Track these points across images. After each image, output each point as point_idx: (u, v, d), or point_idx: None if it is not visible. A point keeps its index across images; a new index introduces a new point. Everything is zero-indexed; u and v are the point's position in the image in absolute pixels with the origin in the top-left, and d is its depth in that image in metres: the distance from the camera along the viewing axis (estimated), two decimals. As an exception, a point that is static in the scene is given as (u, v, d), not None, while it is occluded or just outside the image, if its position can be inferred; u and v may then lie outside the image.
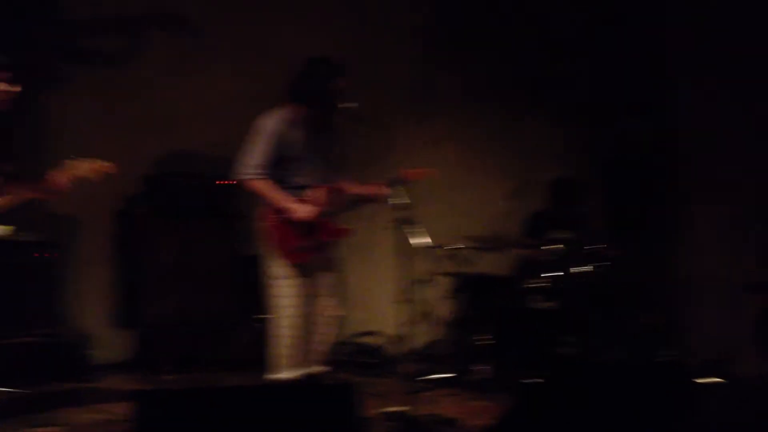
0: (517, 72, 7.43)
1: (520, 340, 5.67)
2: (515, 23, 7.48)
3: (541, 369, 5.42)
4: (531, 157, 7.33)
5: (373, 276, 7.01)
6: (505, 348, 5.73)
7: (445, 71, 7.33)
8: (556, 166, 7.03)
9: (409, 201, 4.74)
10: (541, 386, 4.74)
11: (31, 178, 4.68)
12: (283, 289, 4.92)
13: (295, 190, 4.96)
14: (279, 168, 4.96)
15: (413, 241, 4.65)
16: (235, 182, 5.10)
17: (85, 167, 4.56)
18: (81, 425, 4.71)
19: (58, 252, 5.87)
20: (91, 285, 6.44)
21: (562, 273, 5.81)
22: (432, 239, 5.91)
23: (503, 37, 7.42)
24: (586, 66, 7.65)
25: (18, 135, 5.78)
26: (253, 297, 6.04)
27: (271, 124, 4.92)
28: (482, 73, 7.38)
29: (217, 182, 6.36)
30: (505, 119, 7.40)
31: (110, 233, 6.49)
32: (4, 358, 5.39)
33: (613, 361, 5.66)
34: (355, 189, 5.21)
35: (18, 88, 4.50)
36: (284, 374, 4.92)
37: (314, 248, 4.95)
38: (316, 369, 5.06)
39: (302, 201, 4.93)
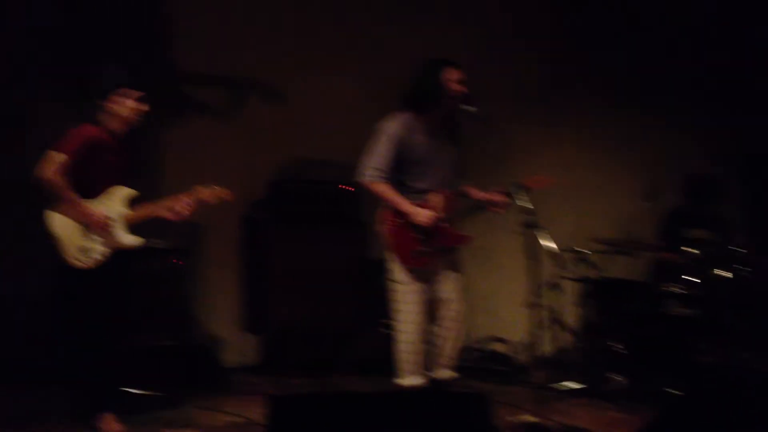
0: (647, 69, 7.17)
1: (656, 348, 5.45)
2: (642, 19, 7.21)
3: (679, 378, 5.22)
4: (664, 156, 7.05)
5: (499, 281, 6.92)
6: (640, 356, 5.53)
7: (571, 72, 7.14)
8: (690, 166, 6.75)
9: (532, 206, 4.62)
10: (682, 397, 4.56)
11: (163, 194, 4.92)
12: (403, 294, 4.90)
13: (416, 194, 4.93)
14: (400, 171, 4.94)
15: (544, 243, 4.53)
16: (357, 186, 5.11)
17: (207, 193, 4.81)
18: (214, 427, 4.82)
19: (188, 258, 6.00)
20: (221, 290, 6.58)
21: (700, 277, 5.54)
22: (560, 243, 5.78)
23: (630, 35, 7.17)
24: (721, 60, 7.31)
25: (145, 152, 6.02)
26: (380, 301, 6.04)
27: (391, 127, 4.91)
28: (609, 72, 7.15)
29: (341, 187, 6.39)
30: (636, 117, 7.15)
31: (237, 239, 6.61)
32: (141, 361, 5.54)
33: (758, 370, 5.37)
34: (475, 194, 5.14)
35: (147, 107, 4.71)
36: (409, 380, 4.89)
37: (433, 253, 4.90)
38: (443, 374, 5.01)
39: (422, 205, 4.89)
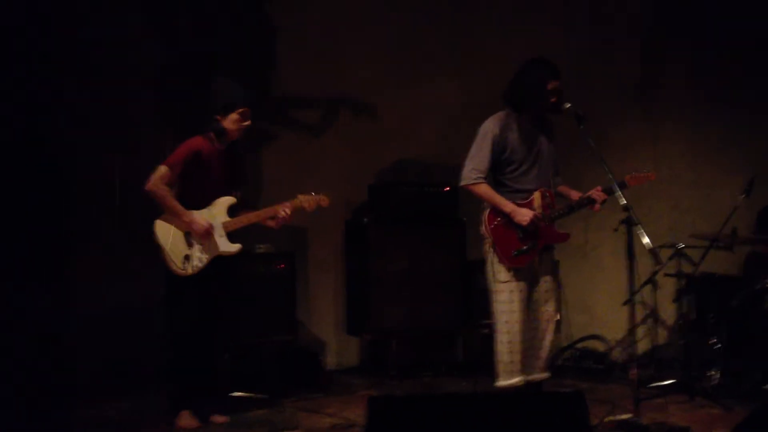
0: (752, 63, 6.95)
1: (755, 345, 5.38)
2: (746, 12, 7.00)
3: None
4: (763, 153, 6.86)
5: (596, 279, 6.90)
6: (738, 353, 5.46)
7: (671, 66, 7.00)
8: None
9: (626, 203, 4.63)
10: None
11: (267, 202, 5.20)
12: (503, 294, 4.94)
13: (516, 194, 4.97)
14: (499, 171, 5.00)
15: (644, 241, 4.53)
16: (456, 187, 5.18)
17: (306, 200, 5.08)
18: (315, 429, 4.96)
19: (293, 262, 6.16)
20: (324, 293, 6.75)
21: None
22: (657, 238, 5.71)
23: (733, 27, 6.97)
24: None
25: (252, 162, 6.24)
26: (479, 302, 6.12)
27: (491, 128, 4.95)
28: (711, 66, 6.96)
29: (442, 189, 6.49)
30: (736, 114, 6.97)
31: (340, 243, 6.76)
32: (245, 363, 5.75)
33: None
34: (572, 194, 5.17)
35: (249, 122, 4.99)
36: (506, 380, 4.93)
37: (533, 252, 4.95)
38: (538, 375, 5.05)
39: (522, 205, 4.95)
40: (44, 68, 5.72)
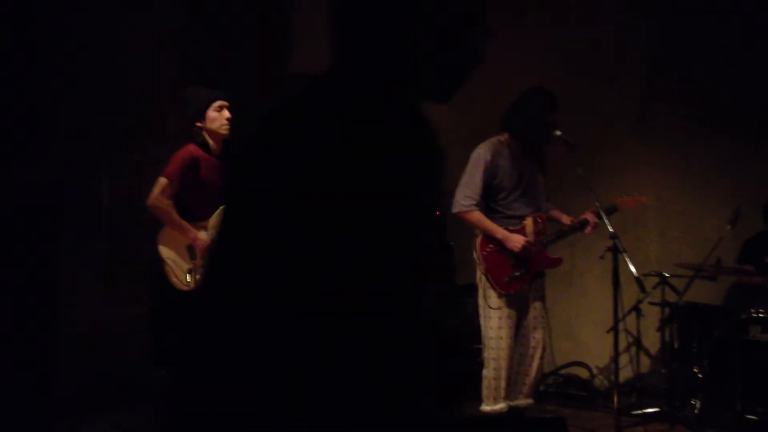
0: (747, 93, 6.97)
1: (737, 374, 5.40)
2: (744, 40, 7.04)
3: (760, 405, 5.17)
4: (753, 183, 6.88)
5: (582, 306, 6.92)
6: (721, 382, 5.49)
7: (666, 96, 7.06)
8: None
9: (613, 231, 4.66)
10: (761, 423, 4.53)
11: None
12: (493, 320, 4.97)
13: (508, 220, 5.01)
14: (491, 197, 5.03)
15: (631, 268, 4.56)
16: (443, 211, 5.21)
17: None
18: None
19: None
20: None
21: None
22: (643, 267, 5.72)
23: (730, 55, 7.00)
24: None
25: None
26: (468, 327, 6.14)
27: (482, 154, 4.99)
28: (705, 94, 6.94)
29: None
30: (727, 144, 7.00)
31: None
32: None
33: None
34: (564, 218, 5.20)
35: (230, 115, 4.84)
36: (490, 406, 4.96)
37: (526, 278, 4.97)
38: (522, 402, 5.07)
39: (514, 231, 4.98)
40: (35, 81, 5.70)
